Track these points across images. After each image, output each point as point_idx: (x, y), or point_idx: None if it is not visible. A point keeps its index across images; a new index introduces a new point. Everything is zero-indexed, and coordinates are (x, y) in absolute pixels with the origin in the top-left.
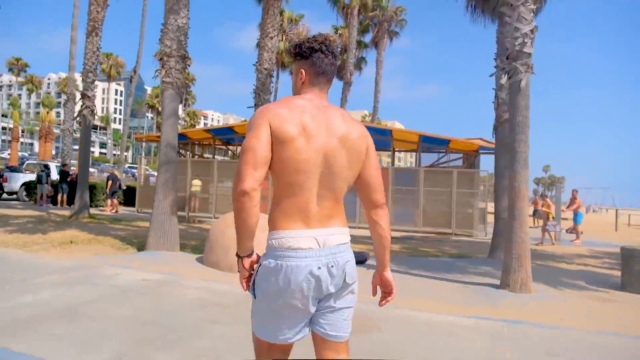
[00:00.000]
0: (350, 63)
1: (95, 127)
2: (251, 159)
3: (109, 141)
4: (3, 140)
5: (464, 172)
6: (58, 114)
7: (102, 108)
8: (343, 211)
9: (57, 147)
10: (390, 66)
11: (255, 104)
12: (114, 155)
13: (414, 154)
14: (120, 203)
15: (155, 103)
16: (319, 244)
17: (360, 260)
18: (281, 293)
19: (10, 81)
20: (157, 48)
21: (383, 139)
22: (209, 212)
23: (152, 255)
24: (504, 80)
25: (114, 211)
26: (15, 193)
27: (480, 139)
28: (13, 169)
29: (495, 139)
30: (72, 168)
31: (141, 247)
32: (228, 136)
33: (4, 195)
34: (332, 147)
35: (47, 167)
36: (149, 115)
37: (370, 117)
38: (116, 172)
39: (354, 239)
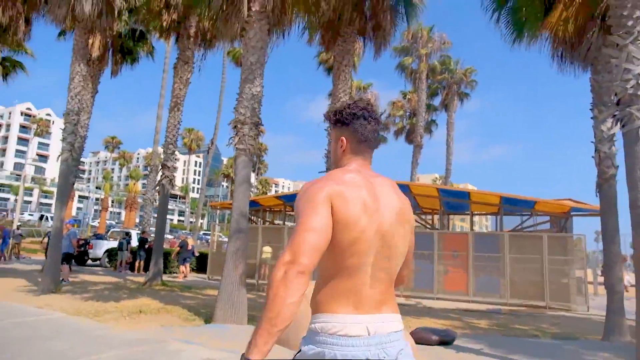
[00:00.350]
0: (420, 126)
1: (175, 196)
2: (312, 241)
3: (187, 209)
4: (95, 210)
5: (556, 236)
6: (144, 185)
7: (183, 179)
8: (394, 295)
9: (140, 216)
10: (460, 128)
11: (326, 168)
12: (191, 222)
13: (490, 217)
14: (192, 269)
15: (230, 172)
16: (368, 332)
17: (446, 340)
18: None
19: (106, 157)
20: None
21: (459, 202)
22: None
23: (218, 329)
24: (614, 129)
25: (184, 277)
26: (99, 259)
27: (569, 199)
28: (99, 237)
29: (600, 198)
30: (151, 235)
31: (208, 318)
32: None
33: (89, 262)
34: (390, 225)
35: (128, 234)
36: (224, 184)
37: (441, 181)
38: (189, 239)
39: (432, 312)
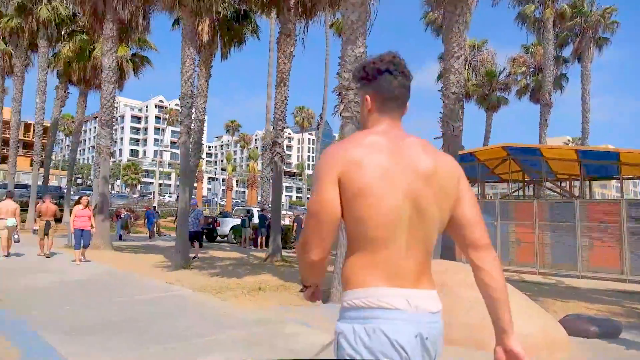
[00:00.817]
0: (548, 82)
1: (292, 174)
2: (316, 228)
3: (304, 186)
4: (222, 190)
5: None
6: (262, 164)
7: (298, 157)
8: (430, 269)
9: (260, 194)
10: (597, 81)
11: (442, 134)
12: (308, 199)
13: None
14: None
15: None
16: (410, 307)
17: (609, 332)
18: None
19: (227, 140)
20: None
21: (606, 164)
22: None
23: (335, 311)
24: None
25: None
26: (226, 236)
27: None
28: (225, 215)
29: None
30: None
31: (325, 298)
32: None
33: (218, 238)
34: (418, 189)
35: (249, 212)
36: None
37: (575, 143)
38: (303, 215)
39: (579, 294)
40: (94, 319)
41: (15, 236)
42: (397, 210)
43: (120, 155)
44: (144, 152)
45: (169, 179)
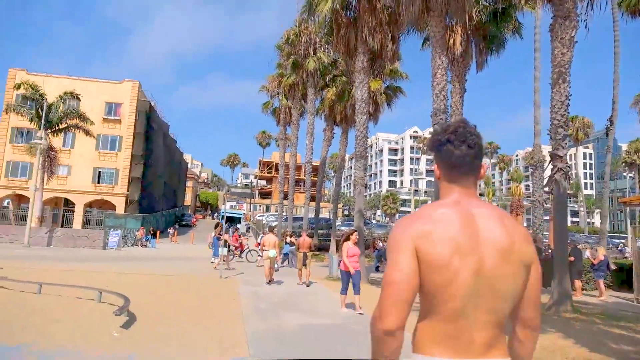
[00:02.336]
0: None
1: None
2: (394, 296)
3: (581, 209)
4: None
5: None
6: (527, 187)
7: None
8: (504, 338)
9: (527, 219)
10: None
11: None
12: (588, 223)
13: None
14: (608, 286)
15: (636, 159)
16: None
17: None
18: None
19: (484, 162)
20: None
21: None
22: None
23: None
24: None
25: (601, 298)
26: None
27: None
28: None
29: None
30: (544, 241)
31: None
32: None
33: None
34: (493, 264)
35: None
36: (629, 174)
37: None
38: (600, 249)
39: None
40: None
41: (276, 266)
42: (468, 285)
43: (380, 186)
44: (401, 182)
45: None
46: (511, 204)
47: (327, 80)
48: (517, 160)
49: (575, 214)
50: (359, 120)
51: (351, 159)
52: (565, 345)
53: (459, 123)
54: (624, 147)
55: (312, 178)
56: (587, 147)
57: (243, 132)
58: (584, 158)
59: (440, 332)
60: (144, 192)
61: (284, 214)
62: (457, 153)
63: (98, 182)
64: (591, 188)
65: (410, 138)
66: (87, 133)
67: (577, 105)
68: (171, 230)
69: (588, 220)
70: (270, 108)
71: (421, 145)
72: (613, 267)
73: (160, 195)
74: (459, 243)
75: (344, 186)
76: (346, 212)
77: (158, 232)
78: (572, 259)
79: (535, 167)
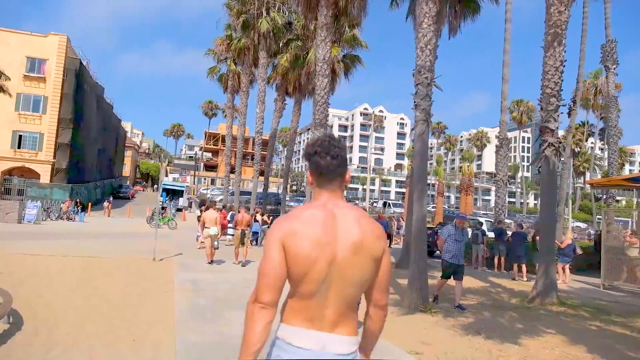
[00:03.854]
0: None
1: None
2: (266, 280)
3: (518, 189)
4: (432, 195)
5: None
6: (478, 166)
7: (511, 157)
8: (354, 318)
9: (474, 199)
10: None
11: None
12: (521, 204)
13: None
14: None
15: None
16: (318, 347)
17: None
18: None
19: (431, 144)
20: None
21: None
22: None
23: None
24: None
25: (565, 282)
26: None
27: None
28: (444, 226)
29: None
30: (506, 224)
31: None
32: None
33: (437, 253)
34: (344, 256)
35: (480, 224)
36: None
37: None
38: (568, 232)
39: None
40: None
41: (215, 244)
42: (322, 272)
43: None
44: (350, 160)
45: (374, 184)
46: (461, 183)
47: (280, 45)
48: (461, 141)
49: (512, 194)
50: (320, 83)
51: (301, 133)
52: (567, 346)
53: (325, 137)
54: (561, 132)
55: (262, 152)
56: (526, 132)
57: (189, 103)
58: (523, 142)
59: (300, 308)
60: (73, 160)
61: (229, 187)
62: (323, 163)
63: (18, 147)
64: (527, 171)
65: (361, 115)
66: (1, 89)
67: (520, 89)
68: (105, 203)
69: (521, 201)
70: (217, 74)
71: (371, 122)
72: (579, 251)
73: (94, 164)
74: (319, 239)
75: (293, 160)
76: (294, 188)
77: (90, 204)
78: (537, 238)
79: (500, 145)
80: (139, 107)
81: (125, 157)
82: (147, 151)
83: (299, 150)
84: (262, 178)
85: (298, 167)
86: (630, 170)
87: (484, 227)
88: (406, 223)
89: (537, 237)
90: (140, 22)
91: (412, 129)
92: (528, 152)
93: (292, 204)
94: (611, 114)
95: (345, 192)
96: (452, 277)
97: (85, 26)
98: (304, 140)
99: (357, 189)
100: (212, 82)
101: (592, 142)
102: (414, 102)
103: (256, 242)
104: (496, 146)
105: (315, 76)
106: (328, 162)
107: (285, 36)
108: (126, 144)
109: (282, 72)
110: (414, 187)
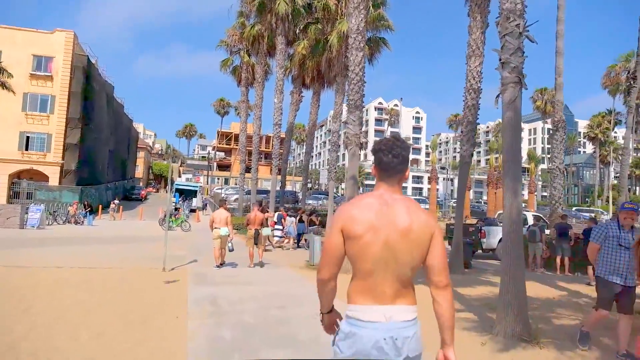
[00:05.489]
0: None
1: (523, 169)
2: (327, 258)
3: (539, 182)
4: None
5: None
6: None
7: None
8: (411, 291)
9: (545, 195)
10: None
11: None
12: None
13: None
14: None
15: (598, 133)
16: (385, 318)
17: None
18: (357, 354)
19: (447, 137)
20: None
21: None
22: None
23: None
24: None
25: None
26: (493, 250)
27: None
28: (489, 222)
29: None
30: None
31: None
32: None
33: (479, 252)
34: (395, 239)
35: (538, 219)
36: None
37: None
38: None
39: None
40: None
41: (229, 245)
42: (377, 253)
43: (344, 159)
44: (365, 156)
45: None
46: (488, 176)
47: (297, 32)
48: (487, 132)
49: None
50: (354, 58)
51: (322, 125)
52: None
53: (391, 138)
54: (581, 122)
55: (280, 150)
56: (547, 122)
57: (201, 104)
58: (543, 133)
59: (362, 289)
60: (83, 161)
61: (245, 186)
62: (385, 159)
63: (26, 149)
64: (545, 163)
65: (375, 110)
66: (4, 86)
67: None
68: (112, 205)
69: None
70: (230, 66)
71: (387, 117)
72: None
73: (105, 165)
74: (373, 224)
75: (313, 156)
76: (309, 185)
77: (100, 206)
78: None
79: (556, 128)
80: (151, 109)
81: (137, 158)
82: (160, 152)
83: (316, 146)
84: (278, 177)
85: (313, 164)
86: None
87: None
88: (456, 221)
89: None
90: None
91: (497, 95)
92: (548, 143)
93: (310, 201)
94: None
95: (361, 189)
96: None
97: (100, 30)
98: (319, 137)
99: (373, 185)
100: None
101: (615, 132)
102: (500, 59)
103: (297, 243)
104: (551, 130)
105: (341, 57)
106: (389, 160)
107: (305, 19)
108: (139, 145)
109: (299, 61)
110: (504, 172)
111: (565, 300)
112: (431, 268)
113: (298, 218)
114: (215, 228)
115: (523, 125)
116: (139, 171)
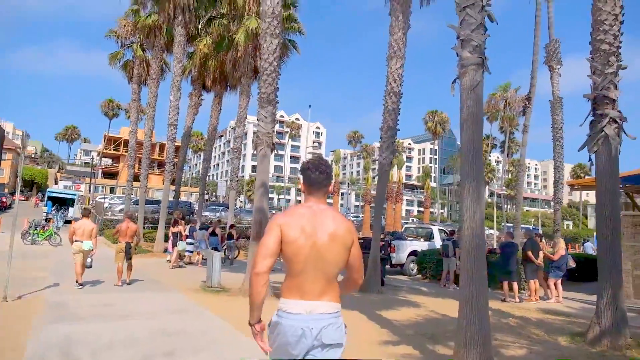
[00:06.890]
0: None
1: (413, 187)
2: (263, 252)
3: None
4: (356, 206)
5: None
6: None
7: (418, 168)
8: (335, 289)
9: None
10: None
11: None
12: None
13: None
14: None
15: None
16: (306, 312)
17: None
18: (280, 342)
19: (344, 154)
20: None
21: None
22: None
23: None
24: None
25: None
26: (401, 265)
27: None
28: (397, 236)
29: None
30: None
31: None
32: None
33: (387, 267)
34: (322, 242)
35: (452, 232)
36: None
37: None
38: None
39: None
40: None
41: (88, 260)
42: (307, 254)
43: (243, 171)
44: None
45: (289, 194)
46: (387, 191)
47: (198, 28)
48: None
49: (421, 203)
50: (268, 45)
51: (221, 136)
52: None
53: (316, 158)
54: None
55: (175, 159)
56: (433, 144)
57: (87, 106)
58: (430, 153)
59: (293, 285)
60: None
61: (132, 196)
62: (313, 177)
63: None
64: (433, 181)
65: (277, 122)
66: None
67: (434, 100)
68: None
69: (431, 210)
70: (120, 60)
71: (289, 129)
72: (573, 264)
73: None
74: (304, 229)
75: (212, 167)
76: (206, 197)
77: None
78: (529, 253)
79: (524, 111)
80: (27, 107)
81: (2, 161)
82: (33, 155)
83: (214, 157)
84: (172, 186)
85: (211, 175)
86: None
87: (436, 236)
88: (374, 235)
89: (529, 251)
90: (38, 17)
91: (454, 80)
92: (435, 163)
93: (206, 213)
94: (556, 116)
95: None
96: None
97: None
98: (218, 147)
99: (272, 199)
100: (115, 81)
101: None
102: (458, 37)
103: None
104: (524, 125)
105: (248, 57)
106: (317, 176)
107: (209, 12)
108: (5, 146)
109: (200, 60)
110: (464, 173)
111: (496, 322)
112: (352, 267)
113: (210, 231)
114: (76, 241)
115: (413, 145)
116: (4, 176)
